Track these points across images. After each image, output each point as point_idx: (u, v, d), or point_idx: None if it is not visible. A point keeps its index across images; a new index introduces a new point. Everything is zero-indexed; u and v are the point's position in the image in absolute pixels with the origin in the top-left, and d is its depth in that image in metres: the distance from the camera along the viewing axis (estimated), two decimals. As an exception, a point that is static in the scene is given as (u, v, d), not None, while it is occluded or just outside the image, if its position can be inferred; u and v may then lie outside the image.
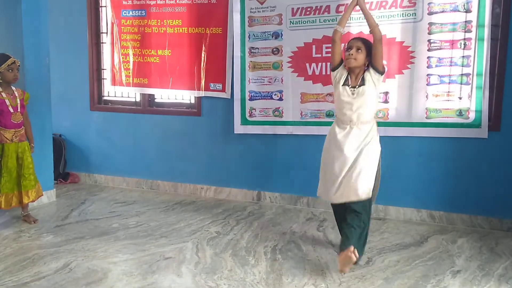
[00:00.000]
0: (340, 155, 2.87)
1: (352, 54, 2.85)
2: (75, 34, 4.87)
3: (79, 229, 3.51)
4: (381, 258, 3.06)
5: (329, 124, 4.04)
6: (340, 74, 2.95)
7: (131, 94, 4.86)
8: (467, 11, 3.54)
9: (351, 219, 2.83)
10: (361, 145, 2.86)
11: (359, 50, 2.85)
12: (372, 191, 2.87)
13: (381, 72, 2.88)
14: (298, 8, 3.98)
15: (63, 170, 5.02)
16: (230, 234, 3.48)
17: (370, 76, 2.87)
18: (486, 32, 3.50)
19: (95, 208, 4.10)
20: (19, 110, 3.53)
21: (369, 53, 2.88)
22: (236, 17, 4.17)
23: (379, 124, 3.81)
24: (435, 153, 3.80)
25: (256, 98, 4.22)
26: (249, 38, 4.18)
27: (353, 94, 2.86)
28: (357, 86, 2.87)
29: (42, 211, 3.92)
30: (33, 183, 3.62)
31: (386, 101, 3.82)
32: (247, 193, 4.44)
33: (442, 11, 3.59)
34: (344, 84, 2.91)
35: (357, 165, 2.83)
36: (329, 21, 3.87)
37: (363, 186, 2.83)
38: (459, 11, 3.56)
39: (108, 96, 4.98)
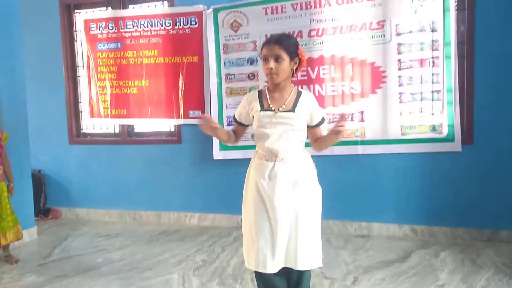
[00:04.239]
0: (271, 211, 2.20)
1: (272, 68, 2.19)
2: (51, 69, 4.86)
3: (62, 267, 3.45)
4: (367, 276, 3.09)
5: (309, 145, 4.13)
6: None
7: (110, 125, 4.86)
8: (433, 30, 3.68)
9: None
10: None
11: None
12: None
13: None
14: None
15: (44, 206, 4.94)
16: (216, 262, 3.47)
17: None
18: (453, 49, 3.64)
19: (78, 244, 4.04)
20: (-4, 150, 3.48)
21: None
22: (211, 46, 4.25)
23: (357, 142, 3.94)
24: (412, 168, 3.88)
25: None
26: (224, 65, 4.25)
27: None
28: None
29: (24, 250, 3.85)
30: (10, 224, 3.53)
31: (362, 120, 3.91)
32: (231, 218, 4.44)
33: (410, 32, 3.73)
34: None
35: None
36: (302, 46, 3.95)
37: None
38: (425, 30, 3.70)
39: (87, 129, 4.97)
